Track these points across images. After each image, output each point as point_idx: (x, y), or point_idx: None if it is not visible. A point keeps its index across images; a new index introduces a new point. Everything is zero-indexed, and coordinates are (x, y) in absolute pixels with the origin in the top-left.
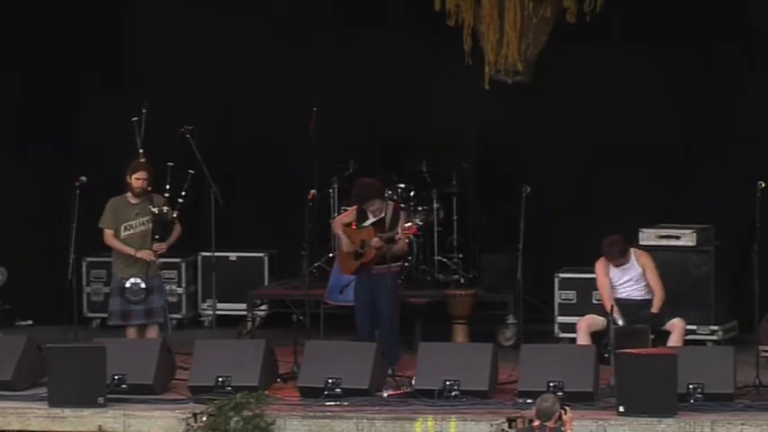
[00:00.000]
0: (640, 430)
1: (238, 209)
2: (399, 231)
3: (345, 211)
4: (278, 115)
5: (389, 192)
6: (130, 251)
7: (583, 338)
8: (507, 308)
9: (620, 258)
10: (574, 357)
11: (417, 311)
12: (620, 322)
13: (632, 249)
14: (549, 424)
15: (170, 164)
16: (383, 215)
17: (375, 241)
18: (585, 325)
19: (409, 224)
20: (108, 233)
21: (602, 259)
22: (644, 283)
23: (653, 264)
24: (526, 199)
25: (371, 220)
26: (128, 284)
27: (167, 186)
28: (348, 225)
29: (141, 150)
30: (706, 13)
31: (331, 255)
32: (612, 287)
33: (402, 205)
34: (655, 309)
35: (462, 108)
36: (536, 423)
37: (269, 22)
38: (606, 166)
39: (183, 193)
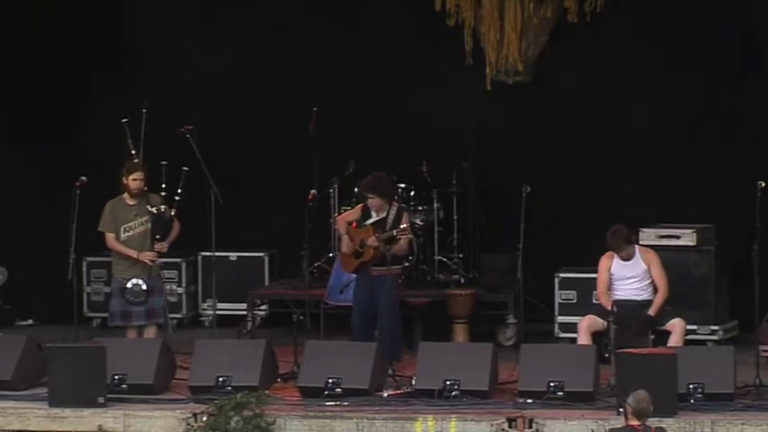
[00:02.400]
0: None
1: (238, 209)
2: (395, 232)
3: (346, 210)
4: (278, 115)
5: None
6: (133, 254)
7: (584, 338)
8: (507, 308)
9: (625, 247)
10: (574, 357)
11: (417, 311)
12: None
13: (638, 247)
14: (651, 424)
15: (164, 163)
16: (385, 215)
17: (371, 240)
18: (586, 325)
19: (404, 225)
20: (110, 237)
21: (607, 254)
22: (647, 282)
23: (658, 261)
24: (526, 199)
25: (373, 219)
26: (129, 285)
27: (163, 185)
28: (350, 223)
29: (134, 151)
30: (706, 12)
31: (331, 255)
32: (613, 284)
33: (404, 206)
34: (653, 310)
35: (462, 108)
36: (636, 423)
37: (269, 22)
38: (606, 166)
39: (180, 191)
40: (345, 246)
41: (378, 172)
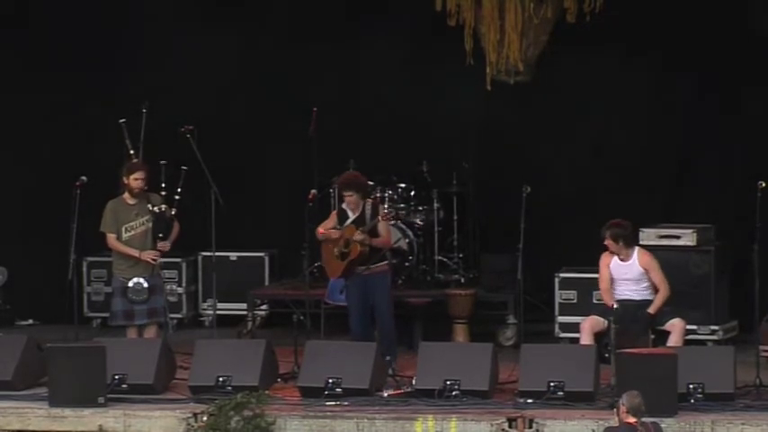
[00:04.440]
0: None
1: (238, 209)
2: (378, 219)
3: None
4: (278, 115)
5: (379, 194)
6: (135, 253)
7: (586, 339)
8: (507, 308)
9: (613, 243)
10: (574, 357)
11: (417, 311)
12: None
13: (637, 248)
14: (647, 420)
15: (163, 162)
16: (362, 211)
17: (357, 234)
18: (588, 326)
19: (385, 211)
20: (111, 237)
21: (606, 253)
22: (645, 284)
23: (656, 263)
24: (526, 199)
25: (352, 218)
26: (130, 284)
27: (163, 185)
28: (330, 230)
29: (132, 151)
30: (706, 12)
31: (318, 264)
32: (613, 283)
33: (385, 202)
34: (653, 308)
35: (463, 108)
36: (633, 420)
37: (269, 22)
38: (606, 166)
39: (179, 191)
40: (331, 251)
41: (351, 171)
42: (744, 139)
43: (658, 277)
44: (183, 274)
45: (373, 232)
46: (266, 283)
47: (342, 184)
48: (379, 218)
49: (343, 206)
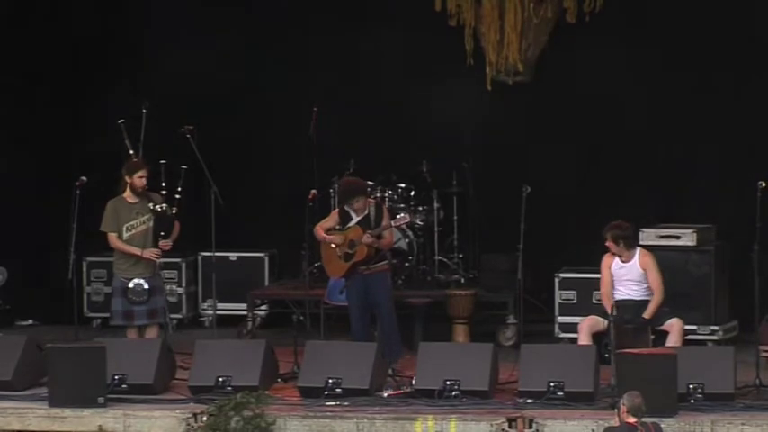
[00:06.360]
0: None
1: (239, 209)
2: (387, 225)
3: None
4: (278, 115)
5: (379, 194)
6: (137, 251)
7: (584, 339)
8: (507, 308)
9: (614, 245)
10: (574, 357)
11: (417, 311)
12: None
13: (638, 249)
14: (647, 420)
15: (162, 162)
16: (366, 213)
17: (366, 237)
18: (587, 326)
19: (401, 215)
20: (112, 236)
21: (608, 254)
22: (646, 285)
23: (655, 265)
24: (526, 199)
25: (356, 219)
26: (131, 285)
27: (163, 184)
28: (330, 230)
29: (132, 151)
30: (706, 13)
31: (318, 264)
32: (614, 284)
33: (385, 202)
34: (648, 313)
35: (462, 108)
36: (632, 420)
37: (270, 22)
38: (606, 166)
39: (180, 190)
40: (333, 250)
41: (345, 178)
42: (744, 138)
43: (655, 280)
44: (182, 274)
45: (379, 236)
46: (266, 283)
47: (347, 193)
48: (393, 223)
49: (347, 207)
